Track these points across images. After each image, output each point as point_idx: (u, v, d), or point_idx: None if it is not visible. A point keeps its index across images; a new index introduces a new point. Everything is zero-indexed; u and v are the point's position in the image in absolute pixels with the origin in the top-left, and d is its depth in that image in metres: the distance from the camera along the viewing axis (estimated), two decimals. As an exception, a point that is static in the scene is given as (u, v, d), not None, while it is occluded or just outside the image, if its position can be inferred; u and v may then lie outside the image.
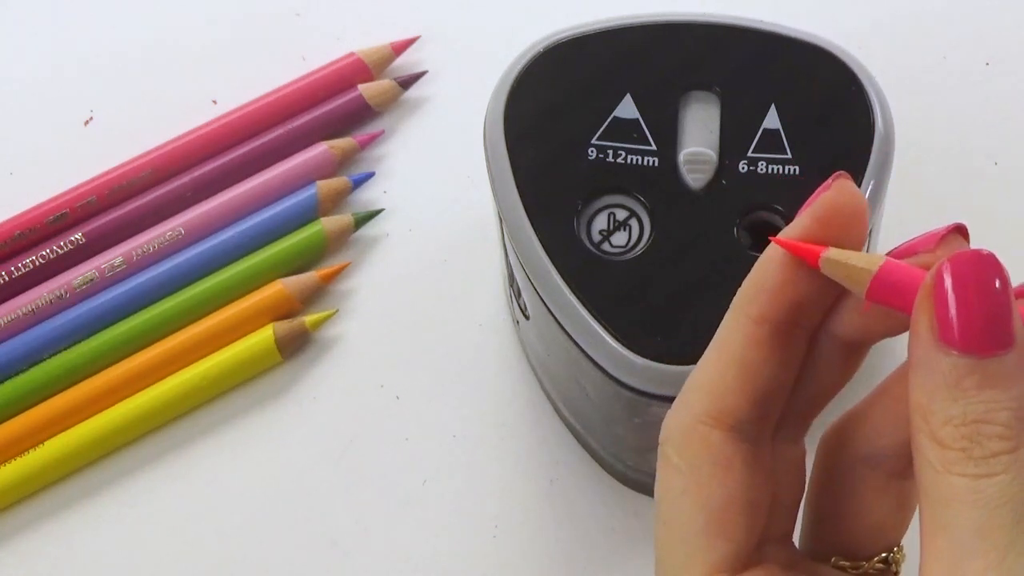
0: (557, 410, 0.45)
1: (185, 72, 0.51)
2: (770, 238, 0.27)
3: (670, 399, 0.36)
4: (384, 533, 0.44)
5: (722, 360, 0.27)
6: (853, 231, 0.27)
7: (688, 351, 0.36)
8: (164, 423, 0.46)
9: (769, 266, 0.27)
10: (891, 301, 0.25)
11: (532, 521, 0.44)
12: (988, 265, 0.24)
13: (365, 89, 0.49)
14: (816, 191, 0.27)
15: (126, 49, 0.52)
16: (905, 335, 0.25)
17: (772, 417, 0.28)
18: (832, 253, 0.26)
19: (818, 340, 0.28)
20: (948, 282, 0.23)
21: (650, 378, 0.36)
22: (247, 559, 0.44)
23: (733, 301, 0.28)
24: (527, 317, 0.41)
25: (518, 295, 0.41)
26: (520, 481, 0.44)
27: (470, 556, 0.43)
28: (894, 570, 0.29)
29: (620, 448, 0.42)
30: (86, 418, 0.46)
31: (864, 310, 0.27)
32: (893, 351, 0.28)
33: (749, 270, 0.36)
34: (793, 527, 0.29)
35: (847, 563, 0.29)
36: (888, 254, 0.26)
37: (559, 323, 0.37)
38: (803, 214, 0.27)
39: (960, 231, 0.26)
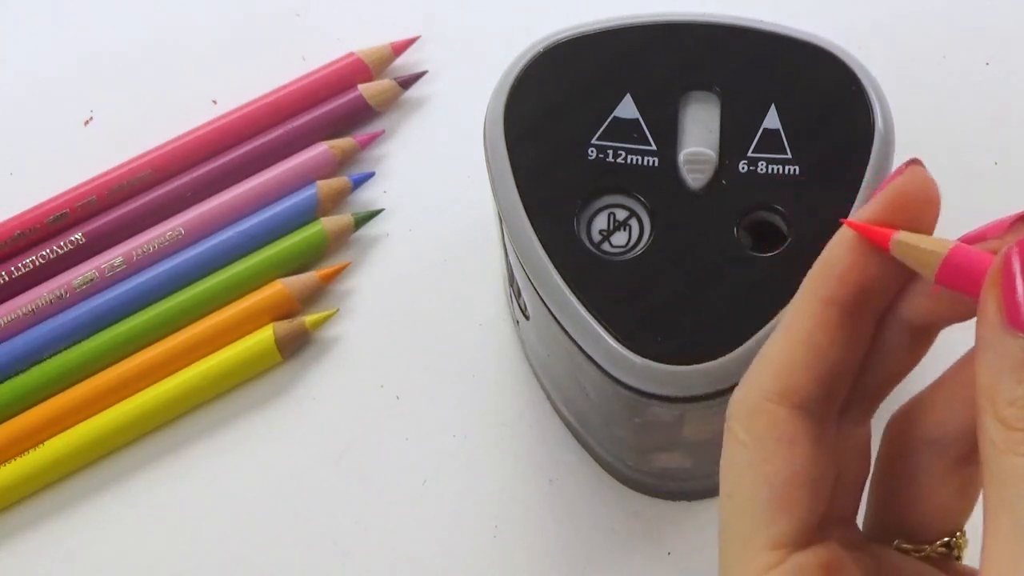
0: (557, 410, 0.45)
1: (185, 72, 0.51)
2: (841, 220, 0.28)
3: (670, 399, 0.36)
4: (384, 533, 0.44)
5: (790, 340, 0.27)
6: (924, 216, 0.27)
7: (688, 351, 0.36)
8: (164, 423, 0.46)
9: (839, 249, 0.28)
10: (959, 285, 0.26)
11: (532, 521, 0.44)
12: None
13: (365, 89, 0.49)
14: (890, 175, 0.27)
15: (126, 49, 0.52)
16: (973, 321, 0.25)
17: (837, 397, 0.28)
18: (902, 236, 0.26)
19: (886, 324, 0.28)
20: (1016, 265, 0.24)
21: (650, 378, 0.36)
22: (247, 559, 0.44)
23: (803, 282, 0.28)
24: (527, 317, 0.41)
25: (518, 295, 0.41)
26: (520, 481, 0.44)
27: (470, 556, 0.43)
28: (956, 555, 0.29)
29: (620, 448, 0.42)
30: (86, 418, 0.46)
31: (933, 293, 0.27)
32: (962, 337, 0.28)
33: (749, 270, 0.36)
34: (857, 509, 0.29)
35: (909, 546, 0.29)
36: (958, 239, 0.27)
37: (559, 323, 0.37)
38: (876, 198, 0.27)
39: None
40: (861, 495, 0.29)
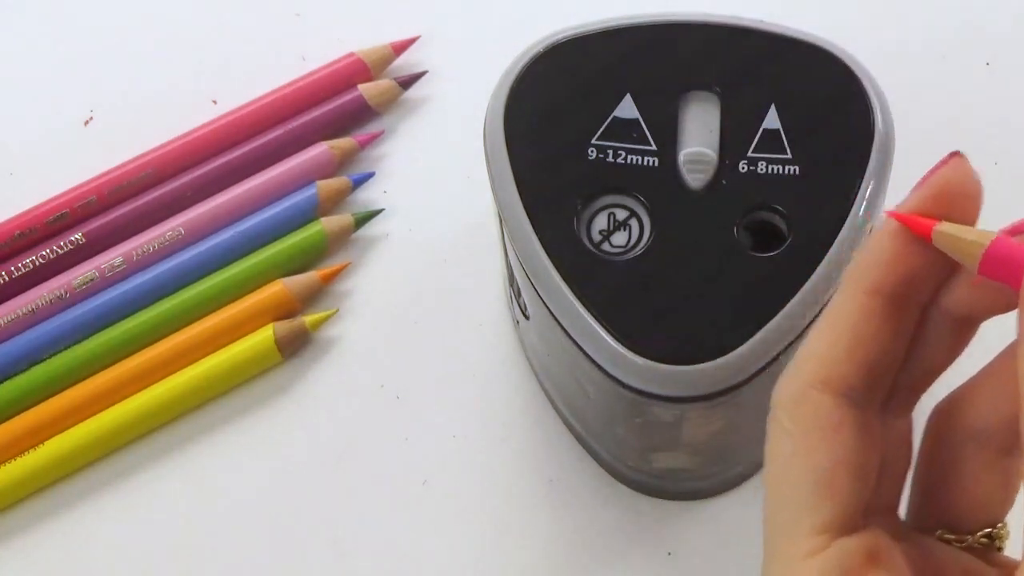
0: (557, 410, 0.45)
1: (185, 72, 0.51)
2: (885, 212, 0.28)
3: (670, 399, 0.36)
4: (384, 533, 0.44)
5: (834, 330, 0.28)
6: (966, 208, 0.28)
7: (688, 351, 0.36)
8: (164, 423, 0.46)
9: (883, 240, 0.28)
10: (1001, 276, 0.26)
11: (532, 521, 0.44)
12: None
13: (365, 89, 0.49)
14: (933, 167, 0.28)
15: (126, 49, 0.52)
16: (1015, 313, 0.25)
17: (881, 387, 0.28)
18: (945, 227, 0.27)
19: (929, 315, 0.28)
20: None
21: (650, 378, 0.36)
22: (247, 559, 0.44)
23: (845, 273, 0.28)
24: (527, 317, 0.41)
25: (518, 295, 0.41)
26: (520, 481, 0.44)
27: (470, 556, 0.43)
28: (998, 545, 0.29)
29: (620, 448, 0.42)
30: (86, 418, 0.46)
31: (974, 283, 0.27)
32: (1006, 328, 0.28)
33: (749, 270, 0.36)
34: (899, 499, 0.30)
35: (951, 536, 0.29)
36: (1000, 231, 0.27)
37: (559, 323, 0.37)
38: (919, 189, 0.28)
39: None
40: (903, 485, 0.30)
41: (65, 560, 0.45)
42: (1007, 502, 0.29)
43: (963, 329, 0.29)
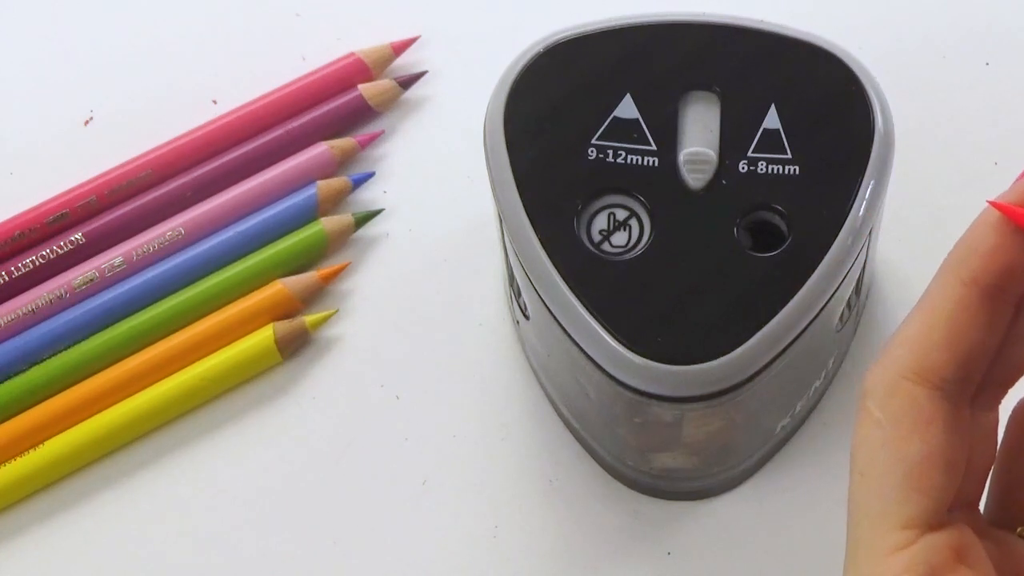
0: (557, 410, 0.45)
1: (185, 72, 0.51)
2: (987, 201, 0.27)
3: (670, 399, 0.36)
4: (384, 533, 0.44)
5: (930, 319, 0.27)
6: None
7: (688, 351, 0.36)
8: (164, 423, 0.46)
9: (982, 229, 0.27)
10: None
11: (532, 521, 0.44)
12: None
13: (365, 89, 0.49)
14: None
15: (126, 49, 0.52)
16: None
17: (974, 380, 0.28)
18: None
19: (1021, 309, 0.28)
20: None
21: (650, 378, 0.36)
22: (247, 559, 0.44)
23: (943, 262, 0.28)
24: (527, 317, 0.41)
25: (518, 295, 0.41)
26: (520, 481, 0.44)
27: (470, 556, 0.43)
28: None
29: (620, 448, 0.42)
30: (86, 418, 0.46)
31: None
32: None
33: (749, 270, 0.36)
34: (981, 494, 0.29)
35: None
36: None
37: (559, 323, 0.37)
38: (1020, 181, 0.27)
39: None
40: (986, 481, 0.29)
41: (65, 560, 0.45)
42: None
43: None
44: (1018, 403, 0.30)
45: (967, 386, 0.28)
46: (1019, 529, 0.29)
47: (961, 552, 0.27)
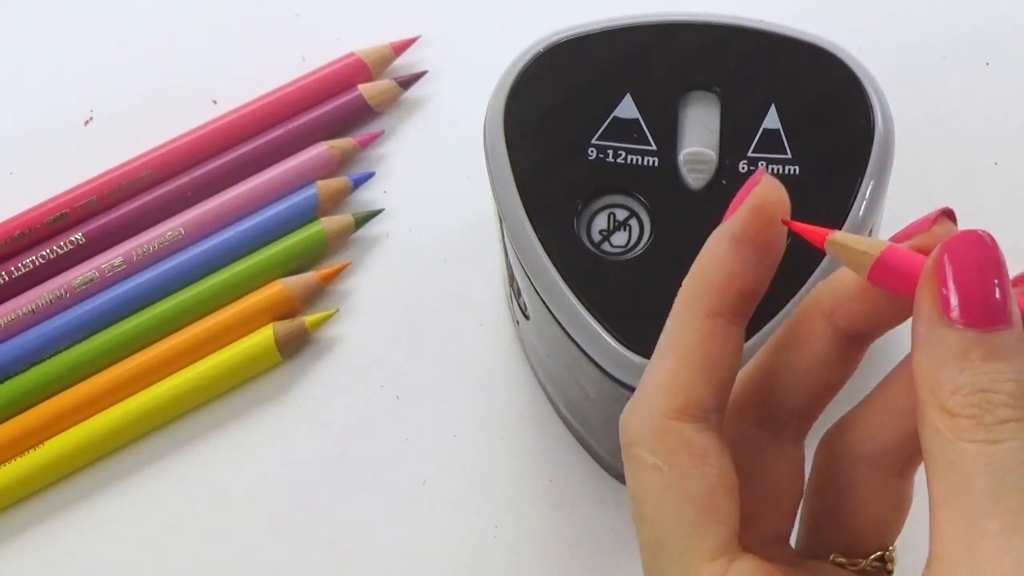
0: (557, 410, 0.45)
1: (185, 72, 0.51)
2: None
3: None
4: (384, 533, 0.44)
5: (680, 357, 0.28)
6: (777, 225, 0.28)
7: (688, 351, 0.36)
8: (164, 423, 0.46)
9: (712, 260, 0.28)
10: (892, 284, 0.26)
11: (532, 521, 0.44)
12: (985, 244, 0.25)
13: (365, 89, 0.49)
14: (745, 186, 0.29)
15: (126, 49, 0.52)
16: (900, 336, 0.26)
17: (726, 403, 0.28)
18: (837, 236, 0.27)
19: (818, 338, 0.29)
20: (949, 261, 0.25)
21: (650, 378, 0.36)
22: (247, 559, 0.44)
23: (679, 297, 0.28)
24: (527, 317, 0.41)
25: (518, 295, 0.41)
26: (520, 481, 0.44)
27: (470, 556, 0.43)
28: (889, 568, 0.30)
29: (620, 448, 0.42)
30: (86, 418, 0.46)
31: (866, 298, 0.28)
32: (891, 353, 0.29)
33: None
34: (791, 529, 0.30)
35: (844, 560, 0.29)
36: (889, 239, 0.27)
37: (559, 323, 0.37)
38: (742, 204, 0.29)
39: (948, 215, 0.28)
40: (795, 515, 0.30)
41: (65, 560, 0.45)
42: (897, 524, 0.29)
43: (853, 348, 0.29)
44: (825, 433, 0.30)
45: (723, 411, 0.28)
46: (832, 557, 0.29)
47: (772, 572, 0.27)
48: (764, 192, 0.28)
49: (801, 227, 0.28)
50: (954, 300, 0.25)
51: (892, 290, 0.27)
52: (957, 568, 0.24)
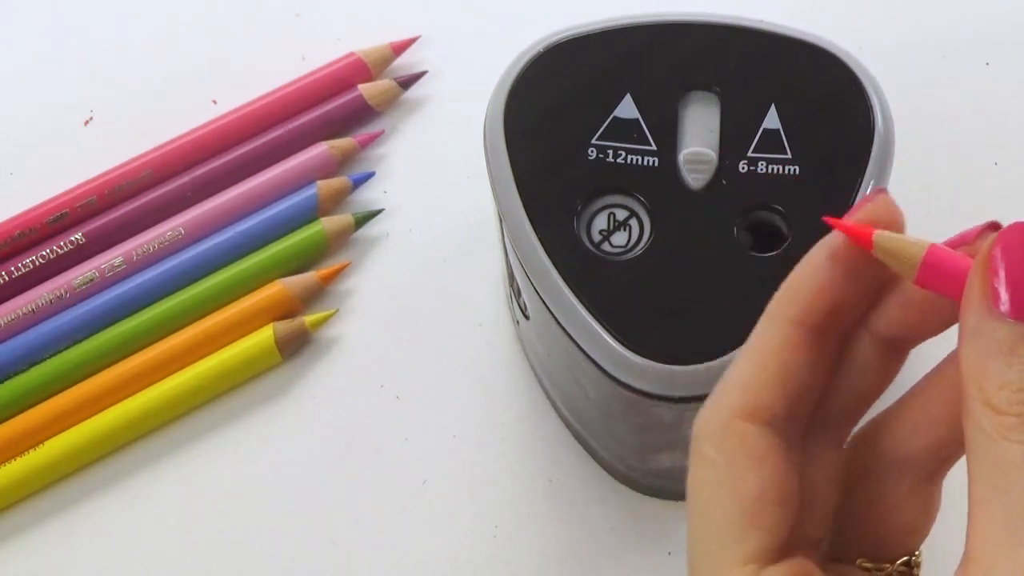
0: (557, 410, 0.45)
1: (185, 72, 0.51)
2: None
3: (670, 399, 0.36)
4: (384, 533, 0.44)
5: (759, 360, 0.28)
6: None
7: (687, 351, 0.36)
8: (164, 423, 0.46)
9: (809, 270, 0.28)
10: (938, 284, 0.26)
11: (532, 521, 0.44)
12: None
13: (365, 89, 0.49)
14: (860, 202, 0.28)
15: (126, 49, 0.52)
16: (939, 340, 0.26)
17: (804, 417, 0.28)
18: (885, 234, 0.27)
19: (858, 343, 0.29)
20: (1001, 253, 0.25)
21: (650, 378, 0.36)
22: (247, 559, 0.44)
23: (771, 302, 0.28)
24: (527, 317, 0.41)
25: (518, 295, 0.41)
26: (520, 481, 0.44)
27: (470, 556, 0.43)
28: (915, 573, 0.30)
29: (620, 448, 0.42)
30: (86, 418, 0.46)
31: (907, 303, 0.28)
32: (926, 359, 0.29)
33: (749, 270, 0.36)
34: (824, 534, 0.29)
35: (871, 565, 0.29)
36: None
37: (559, 323, 0.37)
38: (863, 203, 0.28)
39: (994, 228, 0.27)
40: (830, 520, 0.30)
41: (65, 560, 0.45)
42: (925, 530, 0.29)
43: (894, 354, 0.29)
44: (852, 436, 0.30)
45: (797, 423, 0.28)
46: (859, 561, 0.29)
47: None
48: (874, 210, 0.28)
49: (846, 225, 0.27)
50: (1004, 293, 0.24)
51: (939, 291, 0.26)
52: (995, 570, 0.23)
